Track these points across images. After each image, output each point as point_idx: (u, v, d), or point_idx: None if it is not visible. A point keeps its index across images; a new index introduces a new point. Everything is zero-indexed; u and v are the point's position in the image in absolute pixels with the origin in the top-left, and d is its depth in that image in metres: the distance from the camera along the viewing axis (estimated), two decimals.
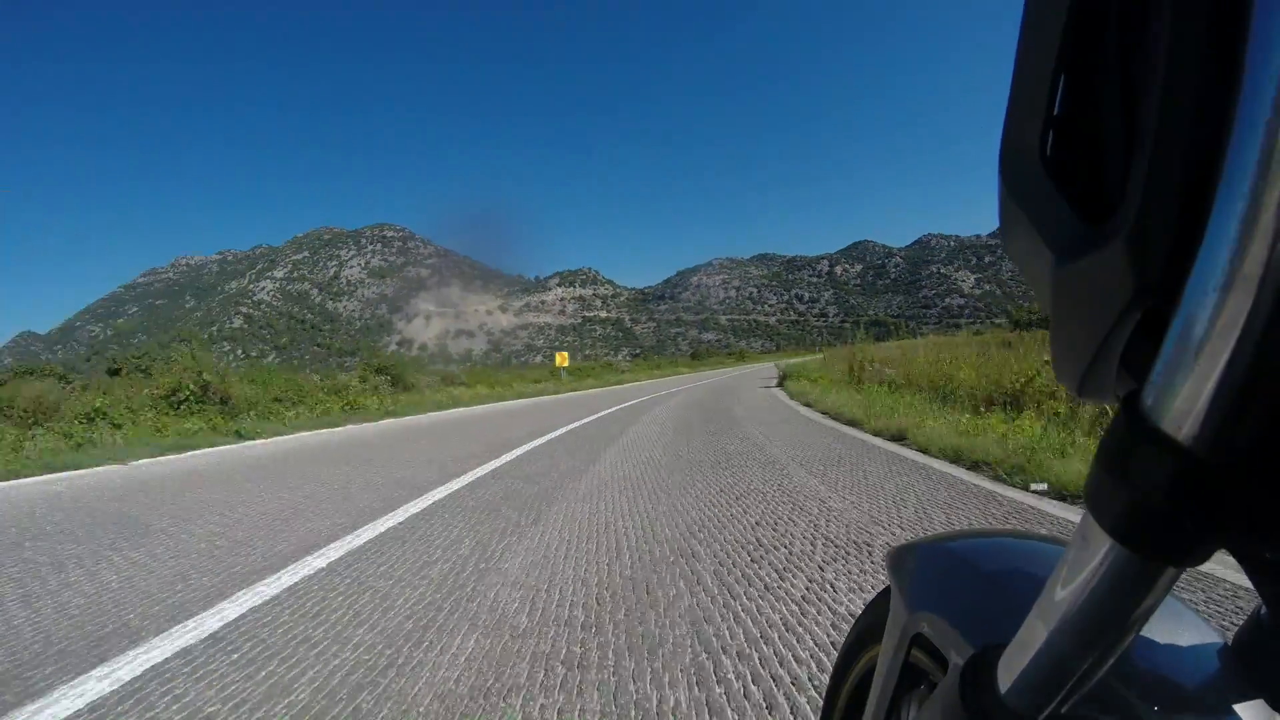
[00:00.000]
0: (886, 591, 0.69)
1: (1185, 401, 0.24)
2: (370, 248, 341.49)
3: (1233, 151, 0.22)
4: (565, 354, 35.40)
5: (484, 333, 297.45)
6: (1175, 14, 0.24)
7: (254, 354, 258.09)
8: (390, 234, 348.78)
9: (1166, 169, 0.24)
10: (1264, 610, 0.34)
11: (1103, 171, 0.29)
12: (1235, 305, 0.22)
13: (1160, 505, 0.25)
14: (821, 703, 1.18)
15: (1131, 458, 0.26)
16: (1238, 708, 0.35)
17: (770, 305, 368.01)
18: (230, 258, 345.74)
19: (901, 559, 0.68)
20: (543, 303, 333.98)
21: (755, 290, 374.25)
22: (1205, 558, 0.26)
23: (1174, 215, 0.24)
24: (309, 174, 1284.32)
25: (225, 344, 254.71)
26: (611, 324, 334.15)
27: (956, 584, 0.59)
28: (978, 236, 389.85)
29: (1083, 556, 0.30)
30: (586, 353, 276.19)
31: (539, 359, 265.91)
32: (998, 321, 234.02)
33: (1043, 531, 2.17)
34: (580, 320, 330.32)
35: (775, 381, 21.66)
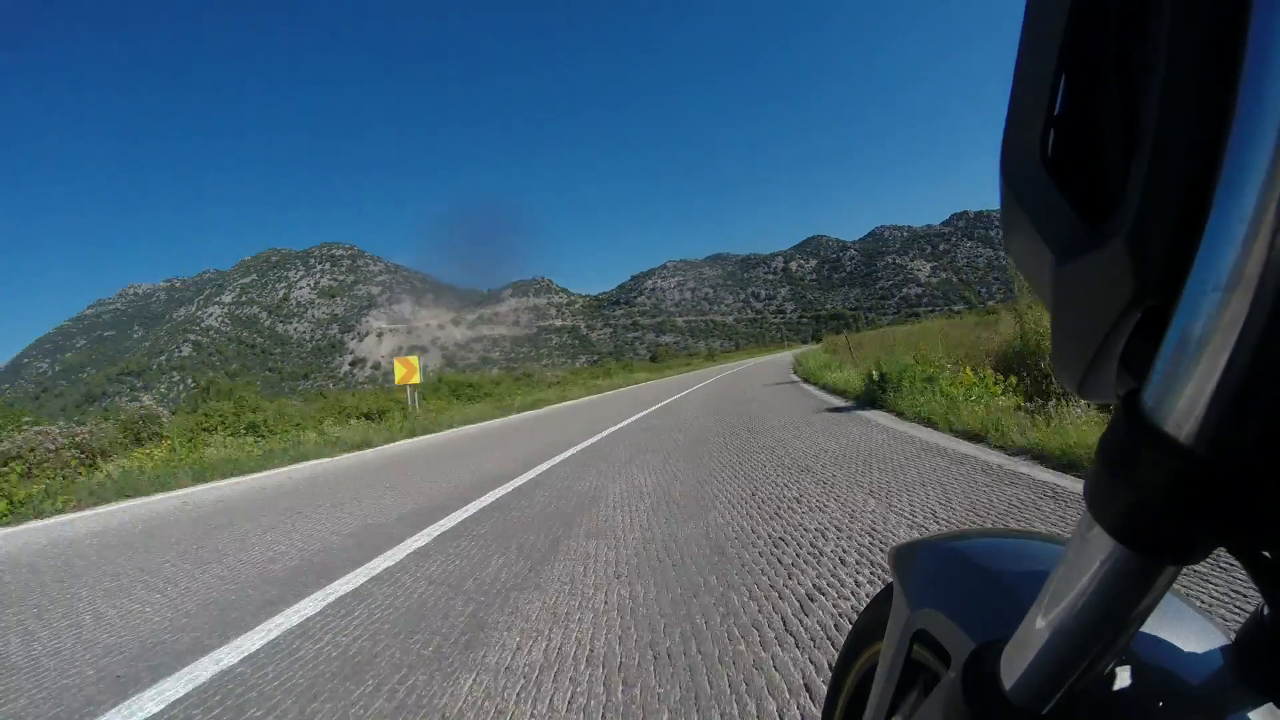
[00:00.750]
0: (888, 590, 0.71)
1: (1185, 401, 0.24)
2: (319, 267, 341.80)
3: (1233, 151, 0.22)
4: (413, 360, 17.13)
5: (437, 347, 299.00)
6: (1175, 14, 0.24)
7: (204, 383, 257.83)
8: (339, 253, 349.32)
9: (1166, 169, 0.25)
10: (1265, 608, 0.35)
11: (1103, 171, 0.29)
12: (1235, 305, 0.22)
13: (1160, 504, 0.26)
14: (824, 699, 1.17)
15: (1131, 457, 0.26)
16: (1240, 706, 0.35)
17: (727, 305, 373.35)
18: (178, 285, 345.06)
19: (904, 557, 0.69)
20: (496, 314, 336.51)
21: (711, 290, 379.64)
22: (1204, 556, 0.27)
23: (1174, 215, 0.24)
24: (256, 196, 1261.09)
25: (175, 374, 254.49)
26: (568, 332, 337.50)
27: (958, 581, 0.60)
28: (929, 226, 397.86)
29: (1082, 555, 0.31)
30: (544, 362, 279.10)
31: (495, 371, 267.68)
32: (956, 308, 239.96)
33: (1044, 530, 2.48)
34: (535, 330, 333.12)
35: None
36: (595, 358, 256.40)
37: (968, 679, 0.42)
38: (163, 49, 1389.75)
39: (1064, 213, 0.30)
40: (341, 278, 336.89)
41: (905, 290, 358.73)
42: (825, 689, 1.83)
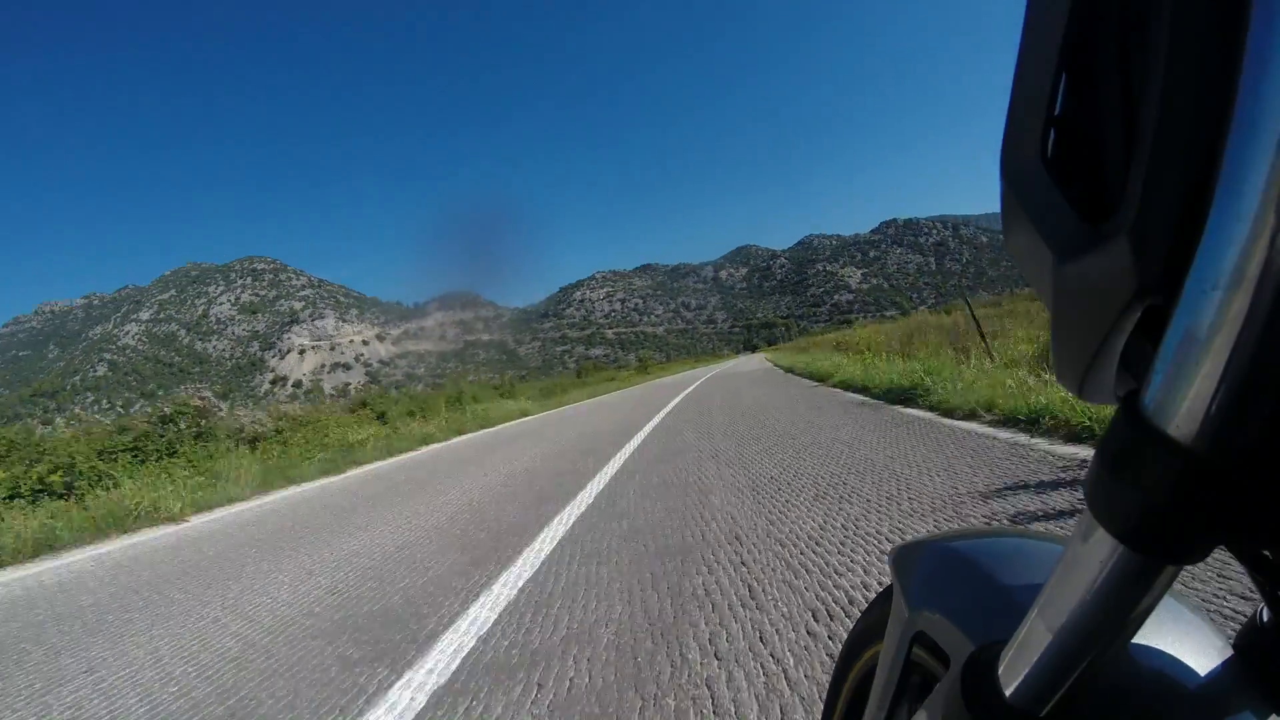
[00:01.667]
0: (888, 590, 0.72)
1: (1185, 401, 0.24)
2: (240, 282, 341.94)
3: (1232, 151, 0.22)
4: None
5: (361, 364, 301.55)
6: (1175, 14, 0.25)
7: (119, 403, 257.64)
8: (261, 266, 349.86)
9: (1166, 169, 0.25)
10: (1265, 610, 0.35)
11: (1103, 171, 0.30)
12: (1235, 304, 0.22)
13: (1160, 504, 0.26)
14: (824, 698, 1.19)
15: (1131, 457, 0.27)
16: (1239, 709, 0.36)
17: (657, 315, 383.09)
18: (96, 301, 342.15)
19: (904, 557, 0.70)
20: (422, 329, 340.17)
21: (641, 301, 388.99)
22: (1204, 556, 0.27)
23: (1174, 214, 0.25)
24: (179, 208, 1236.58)
25: (89, 394, 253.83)
26: (495, 347, 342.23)
27: (958, 582, 0.61)
28: (859, 235, 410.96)
29: (1082, 555, 0.32)
30: (471, 378, 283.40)
31: (420, 388, 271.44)
32: (889, 314, 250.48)
33: (1044, 530, 2.59)
34: (462, 345, 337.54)
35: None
36: (523, 373, 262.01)
37: (966, 681, 0.42)
38: (82, 56, 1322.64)
39: (1064, 212, 0.30)
40: (263, 292, 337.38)
41: (837, 297, 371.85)
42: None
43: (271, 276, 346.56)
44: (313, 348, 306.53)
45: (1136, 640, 0.36)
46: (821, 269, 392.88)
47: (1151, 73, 0.26)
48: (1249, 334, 0.22)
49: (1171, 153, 0.25)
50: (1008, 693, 0.38)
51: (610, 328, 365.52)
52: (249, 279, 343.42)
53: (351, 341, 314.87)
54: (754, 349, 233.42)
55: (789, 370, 21.32)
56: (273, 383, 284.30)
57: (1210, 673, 0.40)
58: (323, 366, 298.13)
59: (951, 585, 0.61)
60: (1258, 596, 0.34)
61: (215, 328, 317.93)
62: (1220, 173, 0.23)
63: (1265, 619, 0.35)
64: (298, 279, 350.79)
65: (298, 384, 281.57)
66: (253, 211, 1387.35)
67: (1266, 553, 0.31)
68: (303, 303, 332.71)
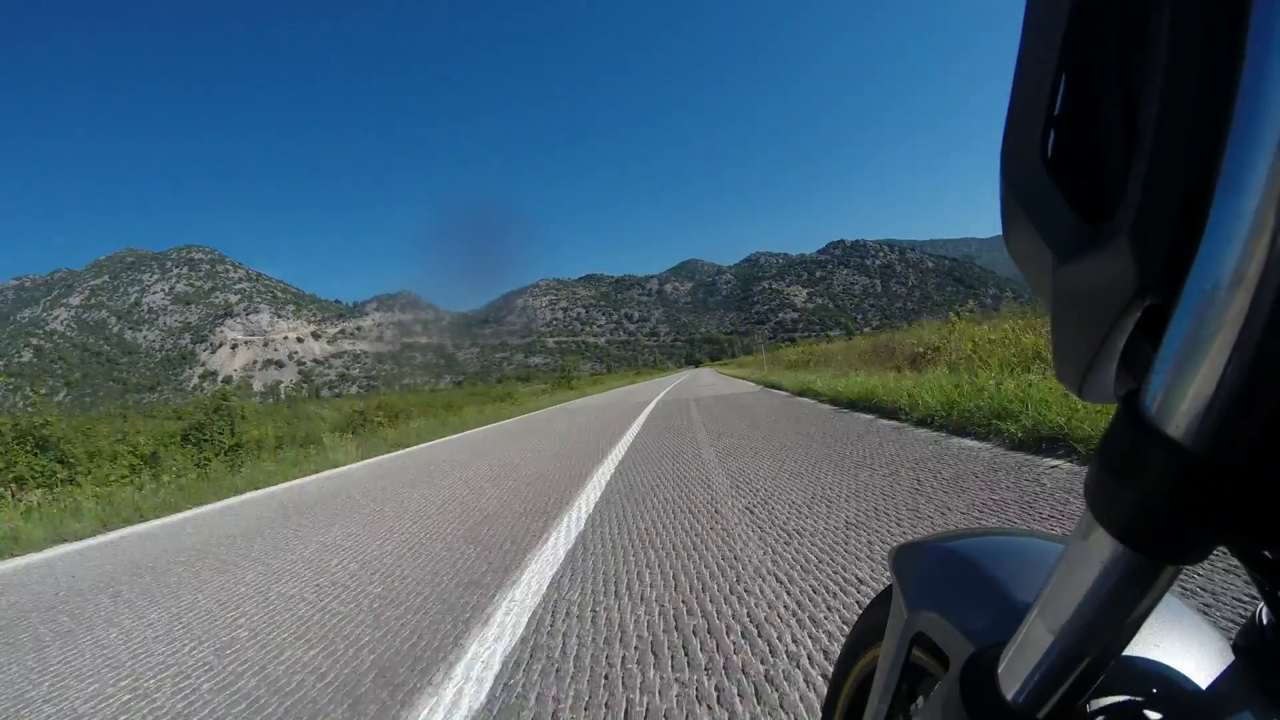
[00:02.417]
0: (888, 591, 0.72)
1: (1185, 401, 0.25)
2: (176, 271, 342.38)
3: (1233, 151, 0.22)
4: None
5: (294, 362, 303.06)
6: (1175, 14, 0.25)
7: (43, 391, 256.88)
8: (198, 256, 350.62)
9: (1166, 169, 0.25)
10: (1265, 610, 0.35)
11: (1103, 171, 0.30)
12: (1235, 304, 0.22)
13: (1160, 504, 0.26)
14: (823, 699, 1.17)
15: (1132, 457, 0.27)
16: (1238, 709, 0.36)
17: (599, 325, 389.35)
18: (28, 283, 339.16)
19: (903, 558, 0.71)
20: (359, 329, 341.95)
21: (584, 311, 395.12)
22: (1205, 556, 0.27)
23: (1174, 215, 0.25)
24: (120, 192, 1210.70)
25: (10, 381, 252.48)
26: (433, 350, 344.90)
27: (958, 583, 0.61)
28: (805, 254, 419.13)
29: (1083, 555, 0.32)
30: (405, 381, 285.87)
31: (354, 389, 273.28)
32: (832, 333, 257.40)
33: (1046, 530, 2.53)
34: (400, 347, 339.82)
35: None
36: (460, 378, 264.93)
37: (965, 683, 0.43)
38: (37, 33, 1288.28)
39: (1064, 212, 0.31)
40: (199, 283, 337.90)
41: (781, 315, 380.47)
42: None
43: (209, 267, 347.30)
44: (245, 343, 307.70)
45: (1135, 641, 0.36)
46: (767, 286, 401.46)
47: (1151, 72, 0.26)
48: (1250, 334, 0.22)
49: (1171, 153, 0.25)
50: (1008, 695, 0.39)
51: (552, 336, 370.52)
52: (185, 269, 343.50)
53: (286, 338, 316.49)
54: (697, 364, 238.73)
55: (799, 393, 13.89)
56: (202, 377, 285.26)
57: (1209, 674, 0.40)
58: (254, 363, 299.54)
59: (951, 586, 0.61)
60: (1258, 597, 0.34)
61: (147, 317, 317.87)
62: (1220, 173, 0.23)
63: (1265, 620, 0.35)
64: (235, 271, 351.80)
65: (227, 380, 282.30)
66: (198, 201, 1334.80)
67: (1266, 553, 0.31)
68: (239, 296, 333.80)
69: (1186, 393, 0.25)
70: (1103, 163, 0.30)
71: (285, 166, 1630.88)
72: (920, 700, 0.62)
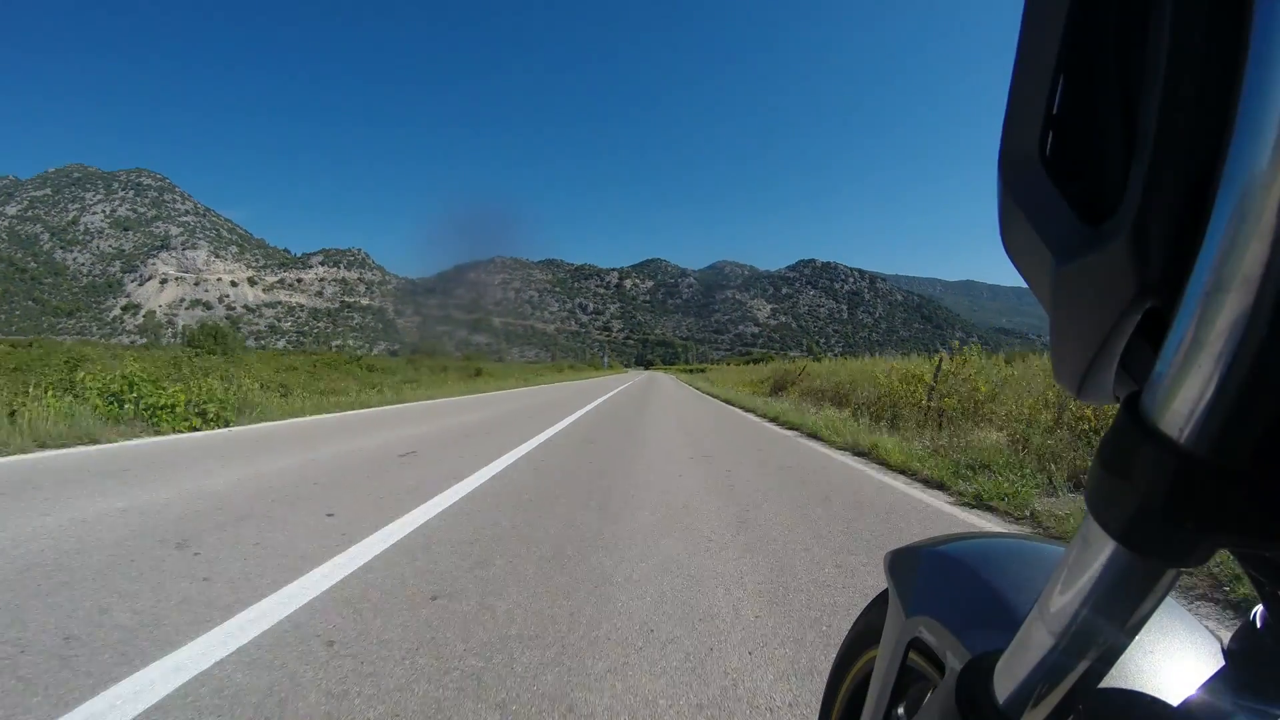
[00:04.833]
0: (884, 595, 0.73)
1: (1185, 402, 0.25)
2: (121, 194, 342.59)
3: (1233, 151, 0.23)
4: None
5: (225, 306, 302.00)
6: (1175, 14, 0.25)
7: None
8: (147, 181, 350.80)
9: (1166, 169, 0.25)
10: (1262, 612, 0.36)
11: (1103, 172, 0.30)
12: (1235, 305, 0.23)
13: (1161, 506, 0.26)
14: (820, 704, 1.19)
15: (1132, 458, 0.27)
16: (1234, 713, 0.36)
17: (551, 312, 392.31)
18: None
19: (900, 562, 0.71)
20: (300, 281, 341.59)
21: (537, 295, 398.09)
22: (1206, 558, 0.28)
23: (1174, 215, 0.25)
24: (82, 105, 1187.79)
25: None
26: (373, 313, 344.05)
27: (954, 588, 0.62)
28: (772, 270, 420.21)
29: (1084, 558, 0.32)
30: (335, 343, 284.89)
31: (282, 343, 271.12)
32: (792, 353, 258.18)
33: (1042, 535, 2.62)
34: (339, 305, 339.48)
35: None
36: (396, 347, 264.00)
37: (961, 688, 0.43)
38: None
39: (1064, 213, 0.31)
40: (143, 210, 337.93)
41: (741, 328, 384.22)
42: None
43: (156, 195, 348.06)
44: (176, 279, 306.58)
45: (1131, 646, 0.36)
46: (731, 297, 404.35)
47: (1151, 72, 0.26)
48: (1251, 336, 0.23)
49: (1172, 153, 0.25)
50: (1002, 700, 0.39)
51: (499, 316, 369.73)
52: (131, 192, 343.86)
53: (220, 279, 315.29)
54: (648, 365, 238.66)
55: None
56: (124, 309, 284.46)
57: (1205, 678, 0.40)
58: (181, 300, 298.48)
59: (947, 591, 0.62)
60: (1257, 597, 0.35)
61: (81, 238, 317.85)
62: (1220, 173, 0.23)
63: (1261, 623, 0.36)
64: (184, 203, 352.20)
65: (149, 315, 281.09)
66: (162, 125, 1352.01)
67: (1266, 554, 0.32)
68: (181, 229, 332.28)
69: (1188, 395, 0.25)
70: (1102, 163, 0.31)
71: (253, 101, 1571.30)
72: (916, 704, 0.62)
